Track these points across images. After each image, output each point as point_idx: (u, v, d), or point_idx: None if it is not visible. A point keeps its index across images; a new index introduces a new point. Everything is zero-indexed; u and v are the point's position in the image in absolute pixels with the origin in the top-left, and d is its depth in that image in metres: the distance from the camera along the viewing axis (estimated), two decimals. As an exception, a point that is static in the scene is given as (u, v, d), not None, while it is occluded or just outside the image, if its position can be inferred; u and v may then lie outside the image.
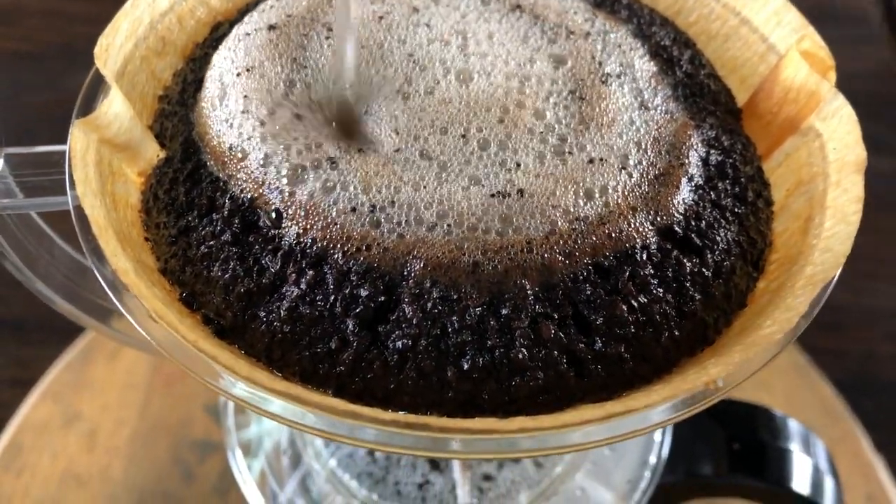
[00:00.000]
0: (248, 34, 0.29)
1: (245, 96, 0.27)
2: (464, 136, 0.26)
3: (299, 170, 0.25)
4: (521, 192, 0.24)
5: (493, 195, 0.24)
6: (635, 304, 0.24)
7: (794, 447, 0.38)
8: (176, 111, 0.29)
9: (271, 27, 0.29)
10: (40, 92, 0.68)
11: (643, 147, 0.26)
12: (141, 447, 0.51)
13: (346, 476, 0.40)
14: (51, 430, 0.51)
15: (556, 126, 0.27)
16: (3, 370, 0.54)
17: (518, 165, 0.25)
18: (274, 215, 0.25)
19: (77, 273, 0.32)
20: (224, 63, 0.28)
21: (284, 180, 0.25)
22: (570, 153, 0.26)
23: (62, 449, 0.50)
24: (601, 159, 0.26)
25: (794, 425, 0.39)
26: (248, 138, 0.26)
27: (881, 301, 0.61)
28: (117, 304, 0.23)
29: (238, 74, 0.27)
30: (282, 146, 0.26)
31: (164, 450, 0.51)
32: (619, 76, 0.28)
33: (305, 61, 0.28)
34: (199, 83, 0.29)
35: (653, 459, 0.39)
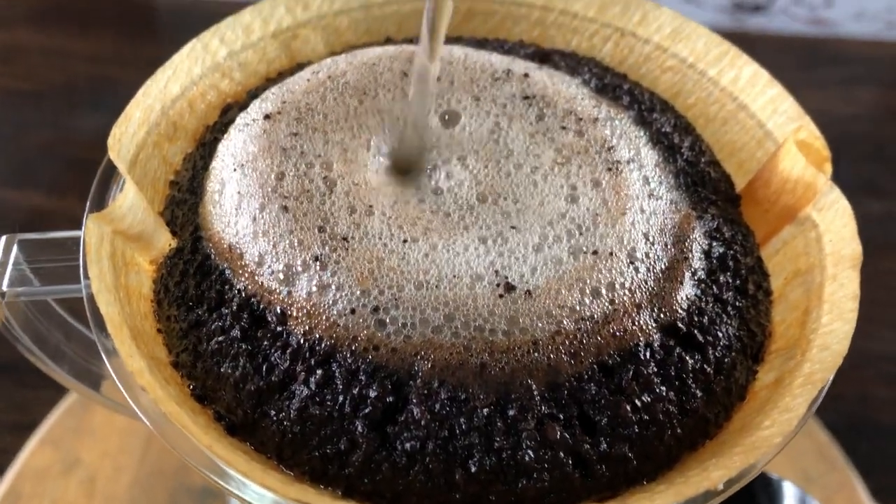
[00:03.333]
0: (247, 124, 0.29)
1: (239, 192, 0.27)
2: (468, 228, 0.26)
3: (291, 269, 0.25)
4: (528, 293, 0.25)
5: (501, 295, 0.25)
6: (639, 404, 0.24)
7: (791, 511, 0.38)
8: (186, 199, 0.29)
9: (266, 116, 0.29)
10: (41, 131, 0.68)
11: (650, 239, 0.26)
12: (140, 494, 0.50)
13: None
14: (50, 476, 0.51)
15: (568, 215, 0.27)
16: (2, 414, 0.54)
17: (526, 259, 0.25)
18: (279, 311, 0.25)
19: (89, 351, 0.32)
20: (225, 156, 0.28)
21: (281, 277, 0.25)
22: (582, 246, 0.26)
23: (61, 496, 0.50)
24: (611, 253, 0.26)
25: (789, 488, 0.39)
26: (243, 237, 0.26)
27: (874, 343, 0.61)
28: (132, 403, 0.23)
29: (234, 170, 0.28)
30: (271, 245, 0.26)
31: (164, 497, 0.51)
32: (628, 162, 0.28)
33: (292, 151, 0.28)
34: (207, 169, 0.29)
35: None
